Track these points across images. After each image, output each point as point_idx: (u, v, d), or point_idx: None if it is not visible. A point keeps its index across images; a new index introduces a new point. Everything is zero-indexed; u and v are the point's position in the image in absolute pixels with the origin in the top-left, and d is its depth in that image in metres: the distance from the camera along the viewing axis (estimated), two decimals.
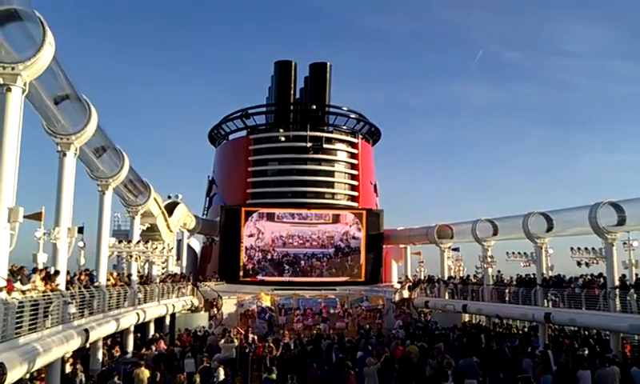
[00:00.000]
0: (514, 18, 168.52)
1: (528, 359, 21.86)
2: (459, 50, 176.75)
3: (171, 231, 38.40)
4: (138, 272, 30.18)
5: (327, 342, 26.26)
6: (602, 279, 27.05)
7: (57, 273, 17.63)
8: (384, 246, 52.90)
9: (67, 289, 18.19)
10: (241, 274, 48.94)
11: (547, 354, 22.36)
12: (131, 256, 27.77)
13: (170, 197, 40.74)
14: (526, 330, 33.32)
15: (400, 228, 53.09)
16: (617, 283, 25.54)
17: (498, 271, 36.16)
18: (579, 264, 28.37)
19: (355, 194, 56.12)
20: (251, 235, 49.86)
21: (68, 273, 19.77)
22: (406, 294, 43.75)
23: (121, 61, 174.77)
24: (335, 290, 44.34)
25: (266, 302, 39.75)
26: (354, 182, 56.41)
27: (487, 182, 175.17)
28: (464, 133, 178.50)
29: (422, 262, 52.22)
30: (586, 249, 28.23)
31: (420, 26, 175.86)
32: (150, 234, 33.66)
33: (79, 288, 19.38)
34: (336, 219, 51.43)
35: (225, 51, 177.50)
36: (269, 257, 50.11)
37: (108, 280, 24.70)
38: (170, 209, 38.56)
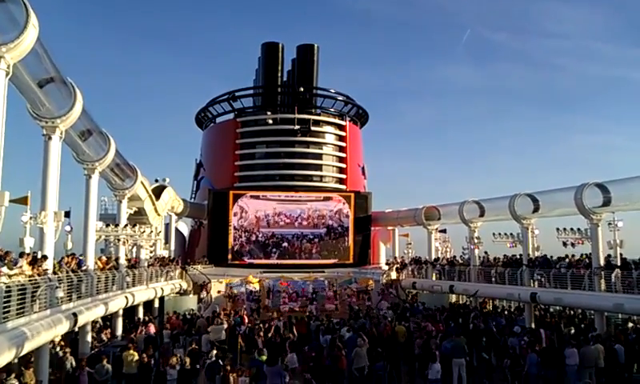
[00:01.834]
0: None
1: (513, 338, 22.22)
2: (447, 32, 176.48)
3: (159, 215, 38.31)
4: (126, 256, 30.11)
5: (316, 324, 26.49)
6: (587, 259, 27.39)
7: (44, 257, 17.57)
8: (372, 228, 53.11)
9: (55, 273, 18.13)
10: (229, 257, 48.92)
11: (539, 333, 22.73)
12: (119, 240, 27.71)
13: (157, 180, 40.55)
14: (512, 310, 33.69)
15: (388, 210, 53.31)
16: (602, 263, 25.87)
17: (485, 252, 36.45)
18: (565, 244, 28.78)
19: (343, 176, 56.11)
20: (234, 214, 49.57)
21: (55, 259, 19.72)
22: (394, 275, 44.06)
23: (107, 45, 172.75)
24: (324, 271, 44.55)
25: (255, 284, 39.85)
26: (342, 165, 56.36)
27: (474, 163, 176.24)
28: (451, 115, 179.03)
29: (410, 243, 52.52)
30: (572, 229, 28.64)
31: (408, 8, 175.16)
32: (138, 217, 33.56)
33: (67, 272, 19.33)
34: (327, 197, 51.54)
35: (212, 33, 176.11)
36: (253, 238, 49.83)
37: (96, 264, 24.66)
38: (158, 192, 38.42)
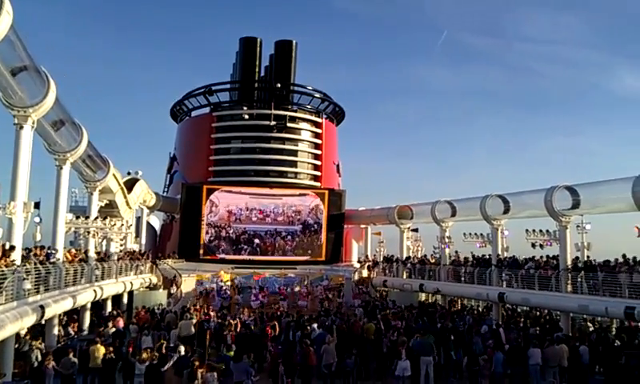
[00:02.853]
0: (477, 2, 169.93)
1: (478, 337, 22.61)
2: (423, 33, 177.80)
3: (130, 208, 37.93)
4: (96, 249, 29.78)
5: (286, 320, 26.58)
6: (554, 261, 27.88)
7: (12, 248, 17.33)
8: (345, 226, 53.33)
9: (23, 264, 17.89)
10: (201, 252, 48.66)
11: (498, 333, 23.12)
12: (89, 232, 27.37)
13: (129, 173, 40.15)
14: (480, 309, 34.16)
15: (361, 208, 53.58)
16: (569, 265, 26.36)
17: (456, 251, 36.88)
18: (534, 246, 29.24)
19: (318, 173, 56.29)
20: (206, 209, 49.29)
21: (25, 249, 19.48)
22: (365, 273, 44.33)
23: (82, 35, 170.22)
24: (295, 268, 44.60)
25: (226, 280, 39.72)
26: (317, 162, 56.53)
27: (448, 163, 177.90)
28: (427, 115, 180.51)
29: (382, 242, 52.87)
30: (541, 231, 29.11)
31: (386, 8, 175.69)
32: (109, 210, 33.20)
33: (35, 264, 19.08)
34: (302, 193, 51.59)
35: (189, 26, 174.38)
36: (223, 234, 49.44)
37: (65, 256, 24.37)
38: (130, 185, 38.06)
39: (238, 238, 49.69)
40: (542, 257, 29.28)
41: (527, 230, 29.77)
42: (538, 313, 30.74)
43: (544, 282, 26.62)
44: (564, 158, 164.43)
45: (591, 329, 25.71)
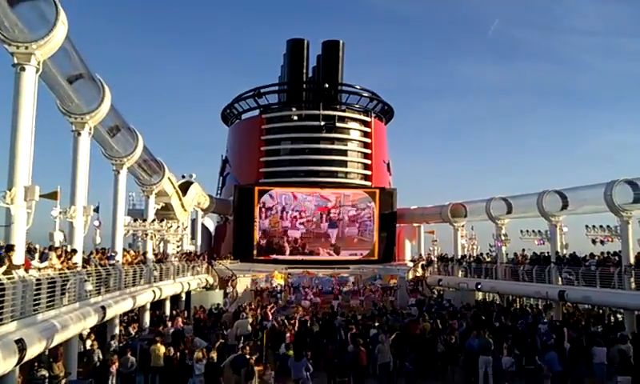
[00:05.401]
0: None
1: (537, 336, 22.05)
2: (471, 28, 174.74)
3: (185, 210, 38.68)
4: (153, 250, 30.44)
5: (340, 319, 26.50)
6: (617, 257, 26.86)
7: (74, 251, 17.85)
8: (397, 225, 52.87)
9: (84, 267, 18.41)
10: (254, 252, 49.10)
11: (562, 331, 22.42)
12: (146, 234, 28.03)
13: (183, 176, 41.02)
14: (540, 308, 33.24)
15: (413, 207, 53.06)
16: (632, 261, 25.33)
17: (523, 249, 35.70)
18: (594, 242, 28.23)
19: (368, 172, 56.08)
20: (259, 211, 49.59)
21: (84, 253, 20.03)
22: (419, 272, 43.86)
23: (133, 42, 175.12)
24: (349, 268, 44.53)
25: (279, 280, 40.02)
26: (367, 161, 56.31)
27: (499, 161, 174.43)
28: (476, 112, 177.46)
29: (436, 240, 52.11)
30: (601, 226, 28.07)
31: (432, 4, 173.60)
32: (165, 212, 33.94)
33: (96, 266, 19.62)
34: (354, 193, 51.60)
35: (237, 30, 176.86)
36: (272, 234, 49.52)
37: (124, 258, 24.98)
38: (184, 188, 38.83)
39: (287, 239, 49.88)
40: (602, 253, 28.26)
41: (587, 226, 28.74)
42: (600, 311, 29.69)
43: (606, 279, 25.67)
44: (618, 154, 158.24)
45: None
